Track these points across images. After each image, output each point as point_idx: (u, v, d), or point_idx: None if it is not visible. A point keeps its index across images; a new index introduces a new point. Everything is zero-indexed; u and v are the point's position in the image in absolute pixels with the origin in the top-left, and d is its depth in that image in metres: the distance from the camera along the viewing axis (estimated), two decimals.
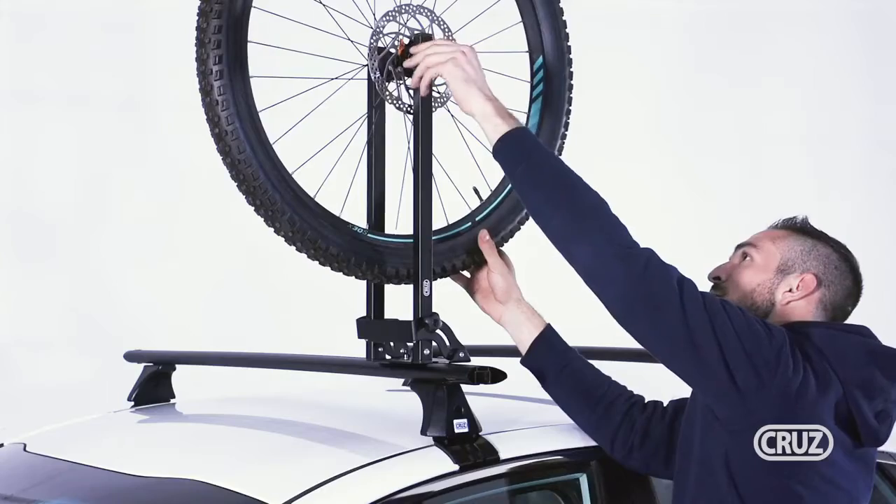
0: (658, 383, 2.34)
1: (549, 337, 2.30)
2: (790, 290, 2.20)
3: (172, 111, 4.93)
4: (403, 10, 2.27)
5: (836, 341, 2.11)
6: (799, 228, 2.28)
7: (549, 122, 2.47)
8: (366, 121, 2.31)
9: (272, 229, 2.18)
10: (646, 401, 2.30)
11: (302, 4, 2.25)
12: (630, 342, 2.14)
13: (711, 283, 2.26)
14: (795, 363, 2.04)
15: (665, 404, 2.30)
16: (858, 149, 5.98)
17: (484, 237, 2.32)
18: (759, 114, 5.88)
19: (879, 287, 2.44)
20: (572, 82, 2.51)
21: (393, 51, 2.25)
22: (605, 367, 2.32)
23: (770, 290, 2.21)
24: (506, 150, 2.13)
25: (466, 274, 2.38)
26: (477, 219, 2.40)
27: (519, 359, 2.32)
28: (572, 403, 2.28)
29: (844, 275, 2.23)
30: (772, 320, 2.19)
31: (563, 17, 2.50)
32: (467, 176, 2.39)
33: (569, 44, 2.50)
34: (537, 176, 2.10)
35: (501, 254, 2.36)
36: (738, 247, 2.29)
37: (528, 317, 2.31)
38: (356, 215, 2.31)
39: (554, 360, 2.28)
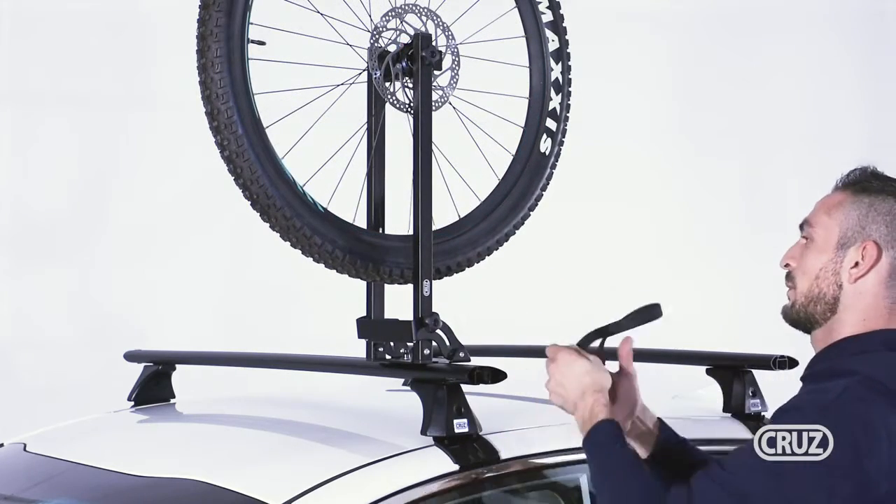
0: (663, 384, 2.34)
1: (661, 450, 2.11)
2: (855, 265, 1.92)
3: (172, 111, 4.92)
4: (403, 10, 2.27)
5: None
6: (859, 187, 1.98)
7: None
8: (366, 120, 2.32)
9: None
10: None
11: (303, 2, 2.25)
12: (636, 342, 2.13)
13: (784, 272, 2.03)
14: (876, 446, 1.79)
15: None
16: (858, 149, 5.98)
17: (626, 347, 2.12)
18: (759, 114, 5.87)
19: None
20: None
21: (393, 48, 2.25)
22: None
23: (834, 271, 1.94)
24: (585, 449, 1.98)
25: None
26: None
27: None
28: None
29: None
30: (844, 305, 1.94)
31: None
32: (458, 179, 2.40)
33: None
34: (596, 479, 1.97)
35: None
36: (800, 226, 2.02)
37: (639, 434, 2.11)
38: (352, 213, 2.31)
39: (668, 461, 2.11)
